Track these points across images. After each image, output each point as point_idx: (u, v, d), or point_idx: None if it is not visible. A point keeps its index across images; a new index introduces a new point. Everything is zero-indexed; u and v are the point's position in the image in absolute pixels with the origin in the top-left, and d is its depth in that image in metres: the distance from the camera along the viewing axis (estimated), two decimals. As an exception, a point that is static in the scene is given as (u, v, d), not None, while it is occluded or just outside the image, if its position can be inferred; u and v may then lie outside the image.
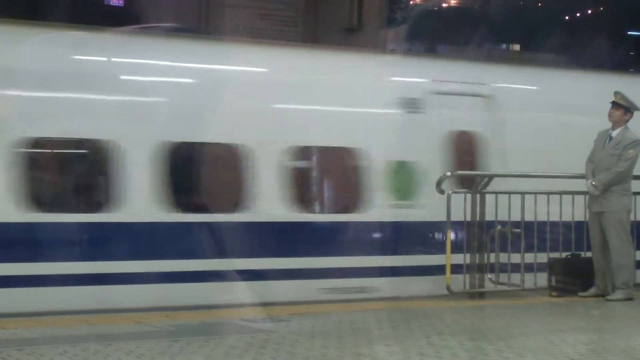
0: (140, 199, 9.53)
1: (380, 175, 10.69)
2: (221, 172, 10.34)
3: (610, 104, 10.42)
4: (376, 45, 16.02)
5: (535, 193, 11.09)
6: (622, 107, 10.38)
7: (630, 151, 10.26)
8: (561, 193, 10.98)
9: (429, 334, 7.72)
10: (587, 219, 10.53)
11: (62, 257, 9.18)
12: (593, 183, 10.19)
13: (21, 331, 7.51)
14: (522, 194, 10.76)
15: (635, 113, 10.49)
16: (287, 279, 10.05)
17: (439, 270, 10.28)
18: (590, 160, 10.45)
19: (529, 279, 10.52)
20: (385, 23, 17.92)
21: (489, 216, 10.42)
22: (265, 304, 8.95)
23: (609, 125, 10.47)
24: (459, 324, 8.67)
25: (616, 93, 10.40)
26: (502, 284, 10.47)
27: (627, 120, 10.41)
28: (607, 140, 10.38)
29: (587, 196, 10.46)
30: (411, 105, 11.04)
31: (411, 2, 22.24)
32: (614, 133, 10.38)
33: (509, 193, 10.75)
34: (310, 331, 7.77)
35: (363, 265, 10.42)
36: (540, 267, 10.59)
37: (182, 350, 6.80)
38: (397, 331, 7.90)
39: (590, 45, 19.38)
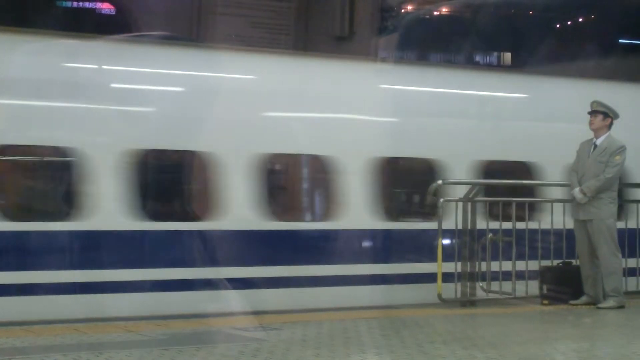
0: None
1: None
2: None
3: (589, 114, 10.46)
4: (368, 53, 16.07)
5: (527, 201, 11.12)
6: (600, 113, 10.43)
7: (617, 157, 10.29)
8: (552, 201, 11.01)
9: (421, 342, 7.72)
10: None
11: None
12: (582, 190, 10.21)
13: (12, 340, 7.49)
14: (513, 201, 10.76)
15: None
16: None
17: None
18: (574, 169, 10.48)
19: (521, 287, 10.53)
20: (376, 31, 17.96)
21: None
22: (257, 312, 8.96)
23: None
24: (450, 332, 8.67)
25: (593, 102, 10.46)
26: (493, 292, 10.47)
27: (609, 126, 10.44)
28: (592, 149, 10.41)
29: (572, 204, 10.48)
30: None
31: (402, 11, 22.25)
32: (599, 141, 10.41)
33: (500, 201, 10.76)
34: (302, 340, 7.76)
35: None
36: (531, 275, 10.60)
37: (173, 359, 6.79)
38: (388, 340, 7.90)
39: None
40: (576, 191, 10.27)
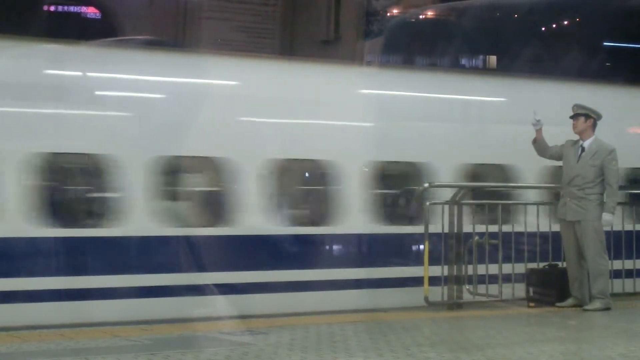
0: None
1: None
2: None
3: (571, 118, 10.48)
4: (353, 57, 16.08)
5: (513, 203, 11.14)
6: (581, 116, 10.46)
7: (614, 162, 10.31)
8: (538, 203, 11.04)
9: (408, 345, 7.73)
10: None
11: None
12: (610, 211, 10.15)
13: (-2, 346, 7.47)
14: (500, 204, 10.78)
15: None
16: None
17: None
18: (554, 152, 10.55)
19: (507, 290, 10.54)
20: (362, 35, 17.97)
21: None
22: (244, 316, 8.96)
23: None
24: (437, 335, 8.68)
25: (574, 105, 10.49)
26: (480, 294, 10.48)
27: (593, 127, 10.46)
28: (580, 152, 10.41)
29: (559, 205, 10.49)
30: None
31: (388, 14, 22.28)
32: (586, 143, 10.42)
33: (487, 203, 10.78)
34: (289, 344, 7.75)
35: None
36: (517, 278, 10.61)
37: (160, 364, 6.79)
38: (376, 343, 7.90)
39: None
40: (606, 216, 10.23)
